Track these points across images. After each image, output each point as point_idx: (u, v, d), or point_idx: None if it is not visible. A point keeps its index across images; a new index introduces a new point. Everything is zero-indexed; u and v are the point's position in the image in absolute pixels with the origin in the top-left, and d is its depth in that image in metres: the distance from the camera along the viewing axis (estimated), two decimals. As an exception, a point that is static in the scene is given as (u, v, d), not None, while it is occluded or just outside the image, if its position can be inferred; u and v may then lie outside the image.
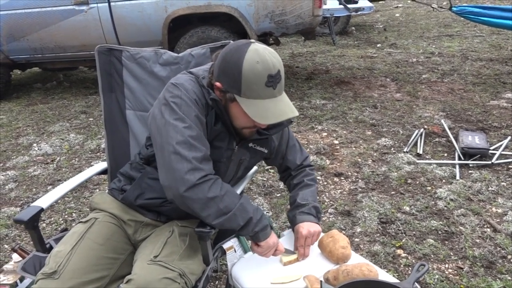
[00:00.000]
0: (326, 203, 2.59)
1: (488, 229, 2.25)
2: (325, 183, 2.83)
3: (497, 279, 1.90)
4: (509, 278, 1.90)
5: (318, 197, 2.64)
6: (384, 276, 1.33)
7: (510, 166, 2.88)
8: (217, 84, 1.23)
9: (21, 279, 1.82)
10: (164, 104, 1.24)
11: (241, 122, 1.27)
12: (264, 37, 4.47)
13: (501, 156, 2.98)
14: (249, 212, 1.24)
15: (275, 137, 1.47)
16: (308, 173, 1.57)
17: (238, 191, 1.49)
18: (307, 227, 1.40)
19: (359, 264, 1.30)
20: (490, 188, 2.62)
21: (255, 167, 1.64)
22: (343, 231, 2.28)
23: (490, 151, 3.00)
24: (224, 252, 1.47)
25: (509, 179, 2.72)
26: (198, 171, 1.18)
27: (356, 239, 2.24)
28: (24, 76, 6.20)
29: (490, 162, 2.88)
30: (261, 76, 1.16)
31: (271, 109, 1.19)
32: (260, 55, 1.17)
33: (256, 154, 1.44)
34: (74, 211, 2.64)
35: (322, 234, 1.47)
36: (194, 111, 1.23)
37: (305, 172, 1.57)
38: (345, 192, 2.70)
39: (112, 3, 4.31)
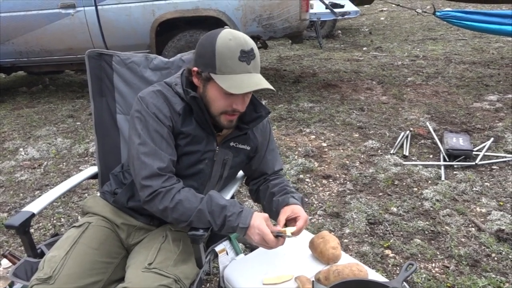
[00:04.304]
0: (315, 205, 2.62)
1: (473, 229, 2.31)
2: (314, 185, 2.86)
3: (482, 277, 1.95)
4: (494, 276, 1.95)
5: (307, 199, 2.68)
6: (374, 275, 1.36)
7: (493, 167, 2.95)
8: (194, 69, 1.28)
9: (11, 285, 1.80)
10: (131, 117, 1.34)
11: (219, 105, 1.27)
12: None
13: (485, 157, 3.06)
14: (207, 218, 1.23)
15: (257, 134, 1.47)
16: (288, 183, 1.51)
17: (229, 195, 1.50)
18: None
19: (349, 264, 1.32)
20: (474, 189, 2.69)
21: (241, 172, 1.63)
22: (332, 232, 2.31)
23: (473, 152, 3.07)
24: (216, 255, 1.49)
25: (492, 179, 2.80)
26: (146, 189, 1.25)
27: (345, 240, 2.27)
28: (9, 80, 6.10)
29: (474, 163, 2.96)
30: (234, 50, 1.20)
31: (245, 81, 1.21)
32: (233, 33, 1.23)
33: (238, 152, 1.43)
34: (63, 216, 2.62)
35: (312, 236, 1.49)
36: (152, 125, 1.28)
37: (283, 178, 1.53)
38: (333, 194, 2.74)
39: (99, 7, 4.28)
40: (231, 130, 1.40)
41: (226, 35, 1.22)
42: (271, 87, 1.24)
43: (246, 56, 1.21)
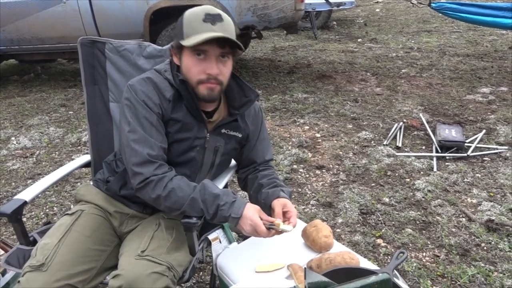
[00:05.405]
0: (308, 195, 2.63)
1: (463, 219, 2.34)
2: (307, 175, 2.88)
3: (472, 266, 1.98)
4: (483, 265, 1.98)
5: (300, 189, 2.69)
6: (365, 263, 1.37)
7: (485, 159, 2.98)
8: (172, 45, 1.33)
9: (3, 272, 1.79)
10: (121, 105, 1.35)
11: (193, 72, 1.26)
12: (247, 31, 4.47)
13: (476, 148, 3.08)
14: (200, 206, 1.24)
15: (249, 122, 1.46)
16: (277, 176, 1.51)
17: (222, 184, 1.50)
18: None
19: (341, 252, 1.34)
20: (465, 180, 2.71)
21: (234, 162, 1.63)
22: (325, 222, 2.32)
23: (465, 144, 3.10)
24: (209, 243, 1.50)
25: (484, 170, 2.83)
26: (138, 176, 1.25)
27: (338, 230, 2.29)
28: None
29: (465, 155, 2.98)
30: (198, 14, 1.23)
31: (206, 35, 1.20)
32: (203, 6, 1.26)
33: (230, 139, 1.43)
34: (56, 205, 2.61)
35: (305, 224, 1.50)
36: (141, 112, 1.28)
37: (272, 170, 1.53)
38: (326, 184, 2.75)
39: (92, -6, 4.24)
40: (222, 117, 1.40)
41: (196, 7, 1.26)
42: (235, 40, 1.23)
43: (210, 18, 1.22)
